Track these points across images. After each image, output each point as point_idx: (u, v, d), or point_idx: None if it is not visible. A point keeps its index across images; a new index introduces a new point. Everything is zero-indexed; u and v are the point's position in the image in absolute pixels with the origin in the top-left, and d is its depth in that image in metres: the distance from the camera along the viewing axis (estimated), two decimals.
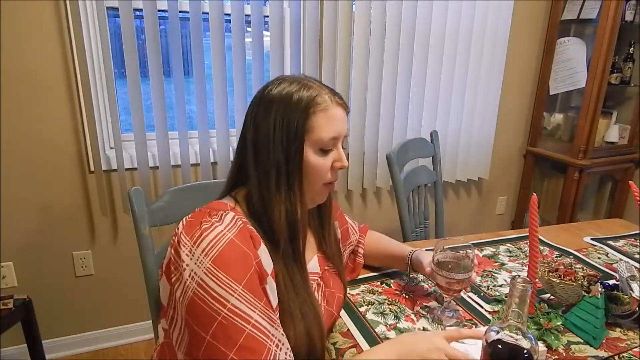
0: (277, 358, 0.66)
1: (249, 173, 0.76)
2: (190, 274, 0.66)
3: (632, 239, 1.42)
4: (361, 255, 1.10)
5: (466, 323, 0.94)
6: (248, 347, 0.63)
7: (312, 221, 0.91)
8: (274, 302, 0.72)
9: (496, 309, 1.00)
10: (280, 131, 0.73)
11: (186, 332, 0.71)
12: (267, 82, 0.78)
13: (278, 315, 0.72)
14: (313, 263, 0.89)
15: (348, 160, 2.13)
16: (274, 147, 0.73)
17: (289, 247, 0.76)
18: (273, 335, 0.67)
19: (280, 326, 0.70)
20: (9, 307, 1.50)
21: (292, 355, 0.69)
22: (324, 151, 0.76)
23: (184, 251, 0.67)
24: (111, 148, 1.81)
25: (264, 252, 0.72)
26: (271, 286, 0.72)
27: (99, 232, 1.84)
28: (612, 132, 2.47)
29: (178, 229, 0.71)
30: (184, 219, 0.72)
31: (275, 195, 0.73)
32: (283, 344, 0.68)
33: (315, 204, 0.84)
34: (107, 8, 1.59)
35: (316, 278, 0.88)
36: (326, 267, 0.91)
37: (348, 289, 1.06)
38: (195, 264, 0.66)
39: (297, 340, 0.73)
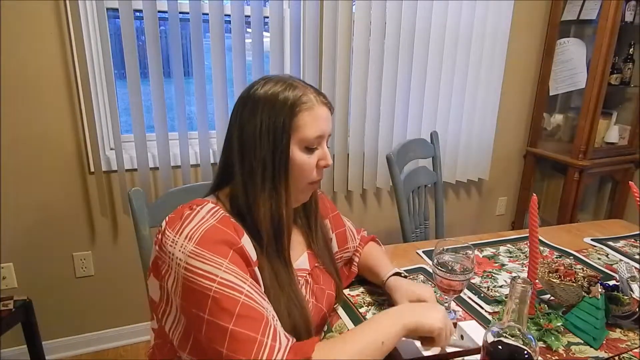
0: (277, 331, 0.65)
1: (234, 173, 0.77)
2: (177, 262, 0.67)
3: (632, 240, 1.42)
4: (356, 265, 1.08)
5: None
6: (246, 316, 0.63)
7: (299, 220, 0.91)
8: (263, 286, 0.73)
9: (496, 309, 1.00)
10: (267, 130, 0.74)
11: (180, 322, 0.71)
12: (252, 83, 0.79)
13: (268, 301, 0.73)
14: (302, 260, 0.89)
15: (348, 160, 2.13)
16: (260, 146, 0.74)
17: (273, 245, 0.77)
18: (266, 307, 0.67)
19: (270, 304, 0.70)
20: (9, 308, 1.50)
21: (287, 334, 0.68)
22: (309, 149, 0.77)
23: (167, 243, 0.69)
24: (111, 149, 1.81)
25: (247, 242, 0.73)
26: (257, 273, 0.73)
27: (99, 233, 1.84)
28: (612, 132, 2.47)
29: (161, 226, 0.72)
30: (167, 217, 0.73)
31: (260, 194, 0.75)
32: (277, 321, 0.68)
33: (299, 203, 0.84)
34: (107, 9, 1.59)
35: (304, 274, 0.88)
36: (316, 264, 0.91)
37: (348, 289, 1.06)
38: (180, 250, 0.67)
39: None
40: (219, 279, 0.64)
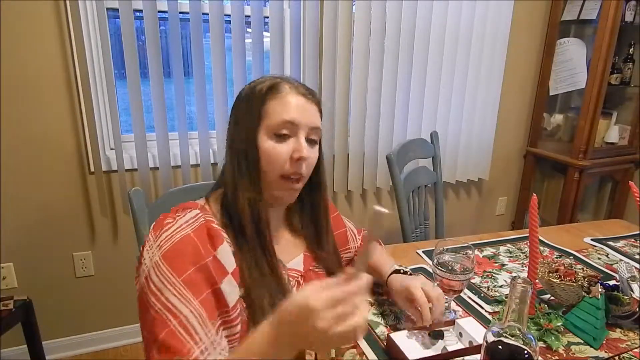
0: None
1: (226, 167, 0.79)
2: (144, 267, 0.67)
3: (632, 240, 1.42)
4: None
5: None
6: (167, 345, 0.61)
7: (304, 223, 0.89)
8: (231, 301, 0.70)
9: (496, 309, 1.00)
10: (242, 120, 0.77)
11: None
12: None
13: (236, 315, 0.70)
14: (297, 261, 0.87)
15: (348, 160, 2.13)
16: (238, 136, 0.76)
17: (255, 238, 0.75)
18: (200, 339, 0.63)
19: (214, 333, 0.66)
20: (9, 308, 1.50)
21: None
22: (279, 137, 0.75)
23: (145, 247, 0.69)
24: (111, 149, 1.81)
25: (224, 252, 0.71)
26: (230, 285, 0.70)
27: (99, 233, 1.84)
28: (612, 132, 2.47)
29: (150, 228, 0.73)
30: (158, 218, 0.74)
31: (240, 183, 0.75)
32: (210, 354, 0.63)
33: (277, 201, 0.80)
34: (107, 9, 1.59)
35: (296, 275, 0.85)
36: (311, 268, 0.89)
37: None
38: (150, 258, 0.67)
39: None
40: (163, 298, 0.64)
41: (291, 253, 0.87)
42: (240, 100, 0.78)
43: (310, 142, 0.78)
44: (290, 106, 0.75)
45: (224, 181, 0.78)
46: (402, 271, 0.97)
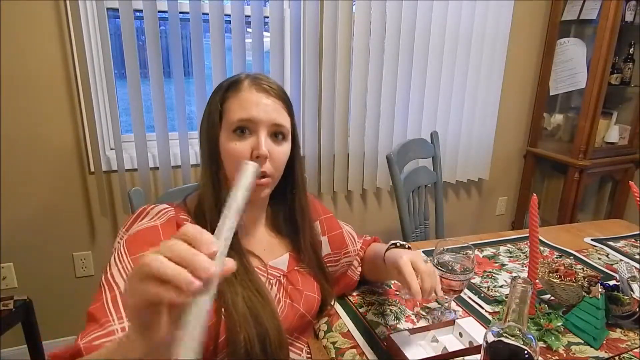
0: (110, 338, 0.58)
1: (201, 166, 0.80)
2: (112, 251, 0.70)
3: (633, 240, 1.42)
4: (354, 269, 1.04)
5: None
6: (91, 317, 0.60)
7: (284, 224, 0.88)
8: None
9: (496, 309, 1.00)
10: (207, 118, 0.77)
11: None
12: None
13: None
14: (281, 260, 0.86)
15: (348, 160, 2.13)
16: (205, 135, 0.77)
17: None
18: (122, 320, 0.61)
19: None
20: (9, 307, 1.50)
21: None
22: (239, 135, 0.74)
23: (118, 236, 0.72)
24: (111, 149, 1.81)
25: None
26: None
27: (99, 233, 1.84)
28: (612, 132, 2.47)
29: None
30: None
31: (207, 182, 0.76)
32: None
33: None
34: (107, 9, 1.59)
35: (278, 275, 0.84)
36: (296, 268, 0.87)
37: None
38: (116, 245, 0.70)
39: (245, 325, 0.69)
40: (109, 273, 0.66)
41: (275, 252, 0.86)
42: (210, 97, 0.79)
43: (276, 138, 0.77)
44: (247, 103, 0.74)
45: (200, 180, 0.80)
46: (398, 244, 0.91)
